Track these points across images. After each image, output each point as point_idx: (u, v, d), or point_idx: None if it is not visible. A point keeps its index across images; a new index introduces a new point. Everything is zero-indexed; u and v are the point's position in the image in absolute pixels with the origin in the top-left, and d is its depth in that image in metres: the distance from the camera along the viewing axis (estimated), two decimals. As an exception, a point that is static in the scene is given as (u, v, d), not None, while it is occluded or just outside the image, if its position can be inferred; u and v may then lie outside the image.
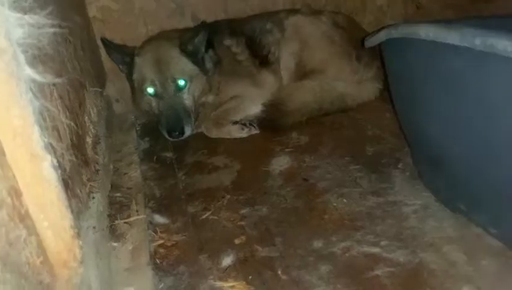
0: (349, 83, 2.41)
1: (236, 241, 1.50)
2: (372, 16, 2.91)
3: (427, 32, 1.10)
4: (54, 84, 0.92)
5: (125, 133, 2.39)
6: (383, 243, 1.40)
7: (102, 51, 2.53)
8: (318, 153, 2.02)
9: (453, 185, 1.42)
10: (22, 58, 0.72)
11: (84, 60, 1.84)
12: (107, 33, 2.49)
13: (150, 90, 2.26)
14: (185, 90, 2.27)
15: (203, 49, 2.32)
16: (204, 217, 1.66)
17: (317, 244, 1.43)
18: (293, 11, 2.60)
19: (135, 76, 2.31)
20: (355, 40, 2.49)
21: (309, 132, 2.23)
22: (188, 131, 2.24)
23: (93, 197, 1.41)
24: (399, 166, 1.82)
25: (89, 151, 1.47)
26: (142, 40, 2.55)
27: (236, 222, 1.61)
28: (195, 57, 2.29)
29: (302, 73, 2.45)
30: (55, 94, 0.94)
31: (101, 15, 2.51)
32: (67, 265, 0.82)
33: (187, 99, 2.28)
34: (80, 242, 0.84)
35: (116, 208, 1.66)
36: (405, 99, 1.48)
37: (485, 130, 1.13)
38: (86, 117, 1.57)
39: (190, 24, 2.62)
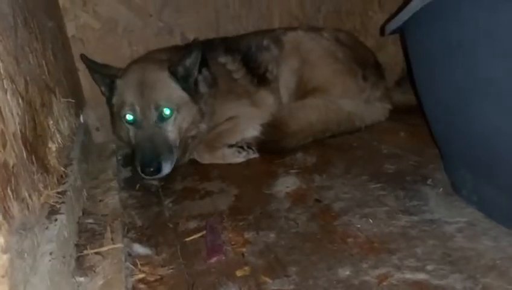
0: (356, 102, 2.16)
1: (238, 273, 1.19)
2: (373, 40, 2.73)
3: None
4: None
5: (104, 161, 2.07)
6: (429, 267, 1.10)
7: (82, 76, 2.29)
8: (329, 173, 1.73)
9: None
10: None
11: (54, 66, 1.59)
12: (87, 54, 2.24)
13: (129, 116, 1.91)
14: (170, 120, 1.91)
15: (195, 72, 2.00)
16: (196, 246, 1.34)
17: (344, 272, 1.13)
18: (291, 28, 2.40)
19: (115, 100, 1.99)
20: (360, 58, 2.30)
21: (316, 153, 1.96)
22: (166, 169, 1.85)
23: (56, 219, 1.12)
24: (428, 182, 1.55)
25: (51, 159, 1.17)
26: (126, 62, 2.31)
27: (236, 249, 1.29)
28: (186, 82, 1.97)
29: (304, 92, 2.20)
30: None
31: (82, 34, 2.29)
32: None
33: (171, 131, 1.92)
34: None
35: (87, 237, 1.32)
36: (447, 87, 1.21)
37: None
38: (51, 122, 1.28)
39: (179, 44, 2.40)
